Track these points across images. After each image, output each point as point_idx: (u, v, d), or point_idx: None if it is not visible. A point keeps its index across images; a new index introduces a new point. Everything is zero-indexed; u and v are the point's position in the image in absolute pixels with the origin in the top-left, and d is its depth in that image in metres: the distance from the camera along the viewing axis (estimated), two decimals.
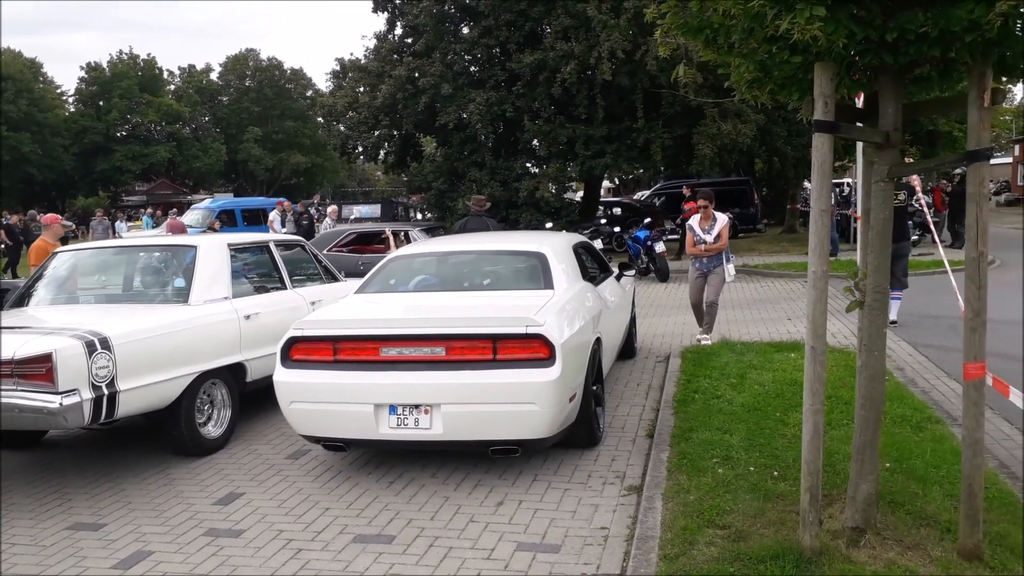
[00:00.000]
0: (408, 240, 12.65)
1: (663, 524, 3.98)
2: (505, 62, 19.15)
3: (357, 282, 6.13)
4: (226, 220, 20.86)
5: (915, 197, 10.06)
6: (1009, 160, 49.29)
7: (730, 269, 8.66)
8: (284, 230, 17.52)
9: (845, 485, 3.80)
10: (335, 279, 7.47)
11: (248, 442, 5.90)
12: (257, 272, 6.71)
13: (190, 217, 21.13)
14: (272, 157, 56.09)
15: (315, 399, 4.75)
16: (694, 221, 8.53)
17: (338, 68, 23.12)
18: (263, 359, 5.89)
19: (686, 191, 17.26)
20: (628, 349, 8.08)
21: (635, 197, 31.49)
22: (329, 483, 4.99)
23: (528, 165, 20.73)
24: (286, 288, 6.69)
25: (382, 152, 22.59)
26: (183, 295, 5.78)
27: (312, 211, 21.56)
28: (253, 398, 6.39)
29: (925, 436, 5.00)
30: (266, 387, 5.37)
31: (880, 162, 3.33)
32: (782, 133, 19.65)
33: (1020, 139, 48.14)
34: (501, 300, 5.30)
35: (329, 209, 16.73)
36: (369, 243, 12.83)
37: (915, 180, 9.69)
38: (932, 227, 9.22)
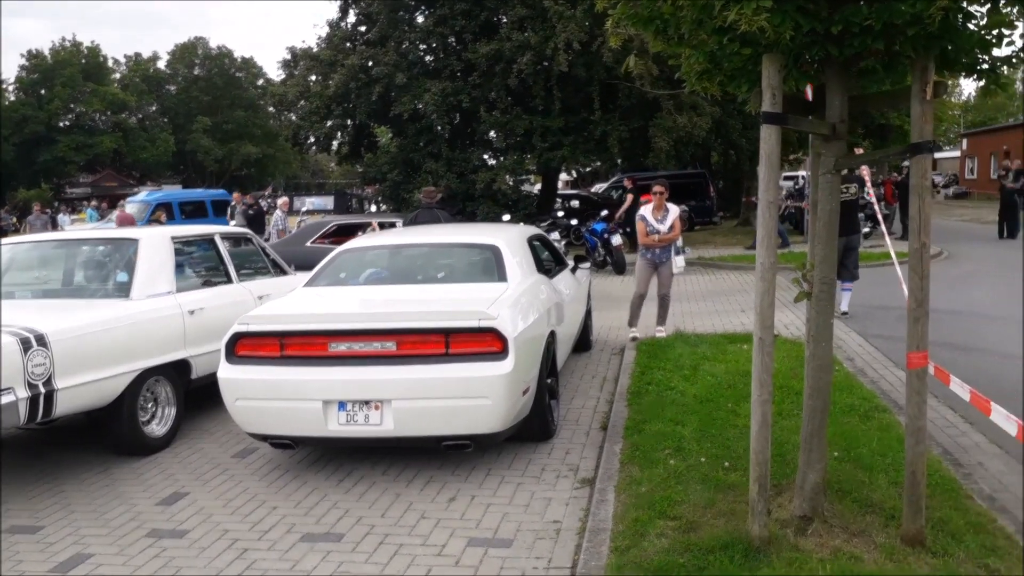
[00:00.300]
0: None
1: (615, 516, 3.98)
2: (461, 52, 19.01)
3: (306, 275, 6.01)
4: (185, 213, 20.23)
5: (864, 189, 10.23)
6: (957, 154, 50.67)
7: (679, 261, 8.67)
8: (233, 223, 17.19)
9: (795, 475, 3.83)
10: (284, 272, 7.33)
11: (194, 440, 5.76)
12: (202, 266, 6.55)
13: (129, 209, 20.17)
14: (222, 148, 55.00)
15: (261, 396, 4.64)
16: (647, 211, 8.41)
17: (289, 57, 22.69)
18: (209, 355, 5.74)
19: (627, 183, 17.38)
20: (584, 342, 8.07)
21: (592, 190, 31.62)
22: (277, 481, 4.89)
23: (485, 157, 20.63)
24: (232, 282, 6.53)
25: (335, 143, 22.28)
26: (124, 290, 5.60)
27: (262, 203, 21.19)
28: (200, 395, 6.23)
29: (873, 425, 5.09)
30: (213, 384, 5.22)
31: (827, 154, 3.35)
32: (737, 126, 19.85)
33: (968, 133, 49.50)
34: (453, 293, 5.23)
35: (279, 201, 16.43)
36: (353, 234, 12.66)
37: (865, 173, 9.84)
38: (881, 219, 9.38)
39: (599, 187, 32.07)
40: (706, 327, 9.07)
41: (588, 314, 8.29)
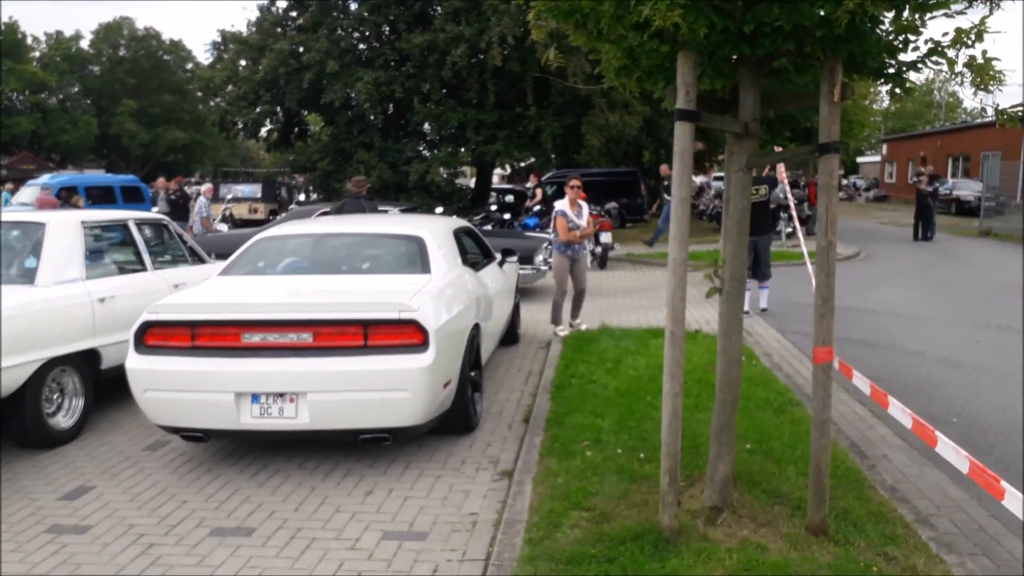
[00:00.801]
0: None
1: (531, 508, 3.99)
2: (395, 41, 18.79)
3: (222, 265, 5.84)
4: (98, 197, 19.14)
5: (776, 191, 10.53)
6: (878, 159, 52.62)
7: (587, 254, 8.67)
8: (156, 209, 16.63)
9: (707, 466, 3.90)
10: (202, 261, 7.12)
11: (103, 433, 5.55)
12: (115, 252, 6.30)
13: (26, 194, 18.22)
14: (148, 132, 53.00)
15: (171, 387, 4.48)
16: (564, 206, 8.35)
17: (219, 40, 22.07)
18: (120, 345, 5.52)
19: (533, 180, 17.59)
20: (511, 335, 8.08)
21: (527, 185, 31.70)
22: (188, 475, 4.74)
23: (420, 148, 20.45)
24: (147, 270, 6.31)
25: (264, 129, 21.76)
26: (29, 276, 5.35)
27: (188, 190, 20.55)
28: (111, 386, 6.00)
29: (785, 418, 5.23)
30: (124, 374, 5.05)
31: (739, 152, 3.42)
32: (667, 125, 20.11)
33: (888, 139, 51.45)
34: (374, 284, 5.15)
35: (203, 188, 15.94)
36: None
37: (783, 175, 10.12)
38: (795, 219, 9.70)
39: (532, 182, 32.16)
40: (631, 322, 9.19)
41: (516, 308, 8.29)
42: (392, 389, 4.40)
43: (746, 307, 9.51)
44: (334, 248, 5.88)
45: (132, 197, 18.54)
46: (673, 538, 3.45)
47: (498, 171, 37.97)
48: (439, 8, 18.48)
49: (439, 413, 4.82)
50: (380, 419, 4.47)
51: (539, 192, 17.17)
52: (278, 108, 20.43)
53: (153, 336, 4.51)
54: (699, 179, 26.20)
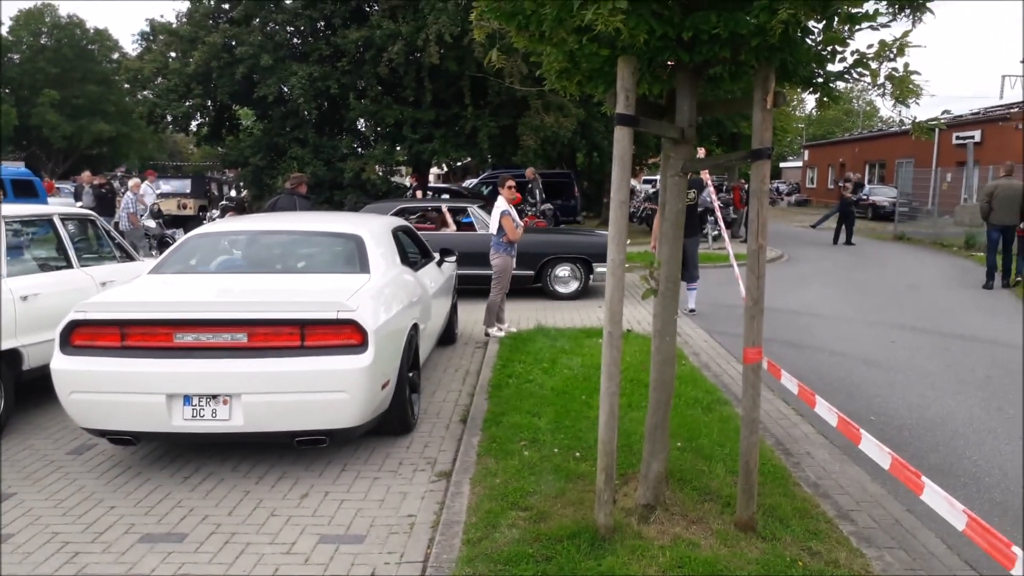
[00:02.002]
0: (466, 217, 12.07)
1: (469, 508, 4.00)
2: (330, 36, 18.53)
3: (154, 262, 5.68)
4: None
5: (704, 194, 10.81)
6: (799, 164, 54.39)
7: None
8: (80, 204, 16.01)
9: (640, 464, 3.98)
10: (131, 258, 6.91)
11: (25, 436, 5.34)
12: (38, 248, 6.06)
13: None
14: (71, 124, 50.86)
15: (99, 389, 4.34)
16: (507, 205, 8.38)
17: (148, 30, 21.37)
18: (43, 345, 5.33)
19: (411, 180, 17.76)
20: (449, 335, 8.08)
21: (464, 185, 31.65)
22: (116, 480, 4.60)
23: (355, 145, 20.22)
24: (72, 267, 6.10)
25: (194, 123, 21.18)
26: None
27: (115, 184, 19.83)
28: (33, 388, 5.77)
29: (714, 417, 5.37)
30: (47, 376, 4.85)
31: (675, 157, 3.50)
32: (601, 128, 20.41)
33: (809, 145, 53.20)
34: (312, 284, 5.08)
35: (131, 182, 15.38)
36: (422, 221, 12.05)
37: (707, 178, 10.39)
38: (721, 222, 9.99)
39: (470, 182, 32.15)
40: (565, 321, 9.29)
41: (454, 308, 8.29)
42: (329, 390, 4.35)
43: (692, 305, 9.80)
44: (270, 246, 5.78)
45: (23, 191, 16.92)
46: (608, 536, 3.52)
47: (435, 170, 37.80)
48: (375, 5, 18.31)
49: (377, 414, 4.79)
50: (317, 421, 4.42)
51: (419, 194, 17.33)
52: (209, 102, 19.93)
53: (80, 336, 4.36)
54: (632, 183, 26.66)
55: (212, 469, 4.74)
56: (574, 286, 11.34)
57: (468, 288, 10.53)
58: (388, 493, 4.40)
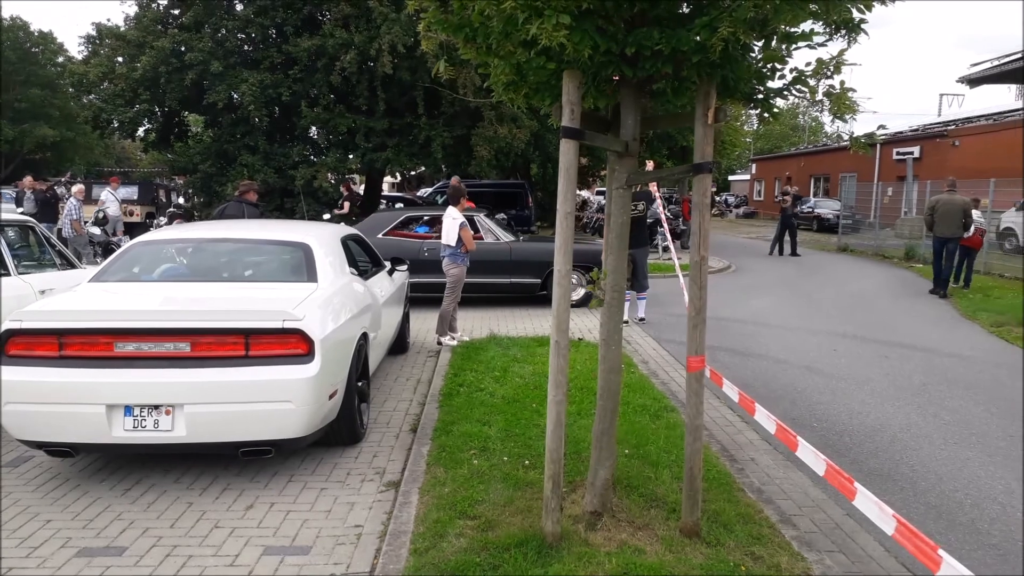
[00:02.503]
0: (474, 225, 11.80)
1: (417, 518, 3.99)
2: (282, 44, 18.36)
3: (94, 270, 5.54)
4: None
5: (653, 206, 10.99)
6: (747, 177, 55.53)
7: None
8: (21, 210, 15.56)
9: (588, 472, 4.02)
10: (72, 266, 6.74)
11: None
12: None
13: None
14: (13, 128, 49.35)
15: (36, 400, 4.21)
16: (463, 216, 8.43)
17: (94, 34, 20.89)
18: None
19: (344, 190, 17.73)
20: (400, 344, 8.04)
21: (418, 194, 31.56)
22: (53, 493, 4.48)
23: (307, 153, 20.03)
24: (10, 274, 5.92)
25: (141, 129, 20.75)
26: None
27: (58, 190, 19.29)
28: None
29: (661, 423, 5.45)
30: None
31: (620, 169, 3.56)
32: (554, 140, 20.56)
33: (757, 159, 54.36)
34: (257, 292, 5.01)
35: (75, 189, 14.98)
36: (431, 226, 11.89)
37: (655, 190, 10.57)
38: (668, 234, 10.19)
39: (425, 191, 32.08)
40: (518, 330, 9.33)
41: (406, 316, 8.26)
42: (275, 400, 4.30)
43: (625, 317, 9.92)
44: (216, 255, 5.69)
45: None
46: (556, 543, 3.54)
47: (388, 179, 37.64)
48: (328, 14, 18.20)
49: (324, 424, 4.75)
50: (262, 431, 4.36)
51: (346, 205, 17.30)
52: (157, 107, 19.56)
53: (16, 345, 4.24)
54: (583, 193, 26.85)
55: (154, 481, 4.65)
56: (580, 292, 11.24)
57: (477, 297, 10.95)
58: (335, 504, 4.36)
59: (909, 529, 2.41)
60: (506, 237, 11.42)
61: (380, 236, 10.99)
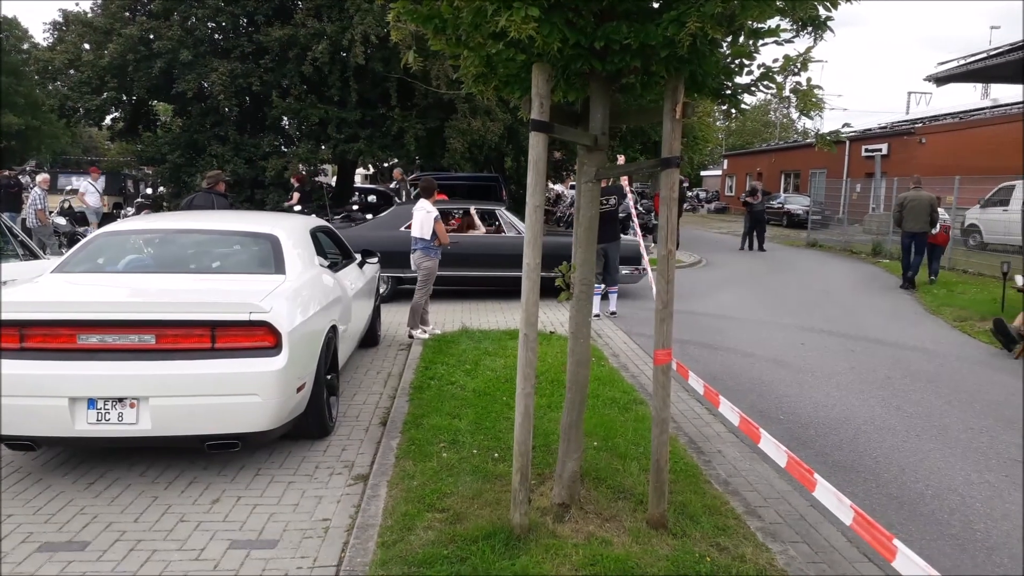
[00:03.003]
0: (494, 219, 12.02)
1: (385, 511, 3.99)
2: (252, 33, 18.12)
3: (57, 261, 5.45)
4: None
5: (625, 201, 11.04)
6: (719, 173, 56.00)
7: None
8: None
9: (556, 464, 4.03)
10: (35, 256, 6.62)
11: None
12: None
13: None
14: None
15: None
16: (435, 210, 8.42)
17: (60, 20, 20.45)
18: None
19: (295, 181, 17.64)
20: (371, 337, 8.00)
21: (392, 186, 31.39)
22: (14, 487, 4.40)
23: (278, 144, 19.80)
24: None
25: (109, 117, 20.38)
26: None
27: (23, 179, 18.93)
28: None
29: (630, 416, 5.48)
30: None
31: (589, 164, 3.57)
32: (527, 133, 20.42)
33: (728, 155, 54.81)
34: (224, 284, 4.96)
35: (39, 178, 14.68)
36: (452, 219, 11.81)
37: (626, 184, 10.62)
38: (638, 228, 10.25)
39: (397, 183, 31.90)
40: (490, 323, 9.33)
41: (377, 309, 8.22)
42: (241, 393, 4.27)
43: (596, 311, 10.00)
44: (182, 246, 5.61)
45: None
46: (523, 536, 3.55)
47: (361, 171, 37.35)
48: (300, 3, 18.00)
49: (292, 417, 4.71)
50: (228, 424, 4.32)
51: (295, 196, 17.21)
52: (125, 96, 19.21)
53: None
54: (557, 187, 26.85)
55: (118, 475, 4.59)
56: (599, 285, 11.51)
57: (497, 290, 11.14)
58: (303, 497, 4.34)
59: (866, 519, 2.45)
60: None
61: (401, 229, 10.99)
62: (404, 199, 17.55)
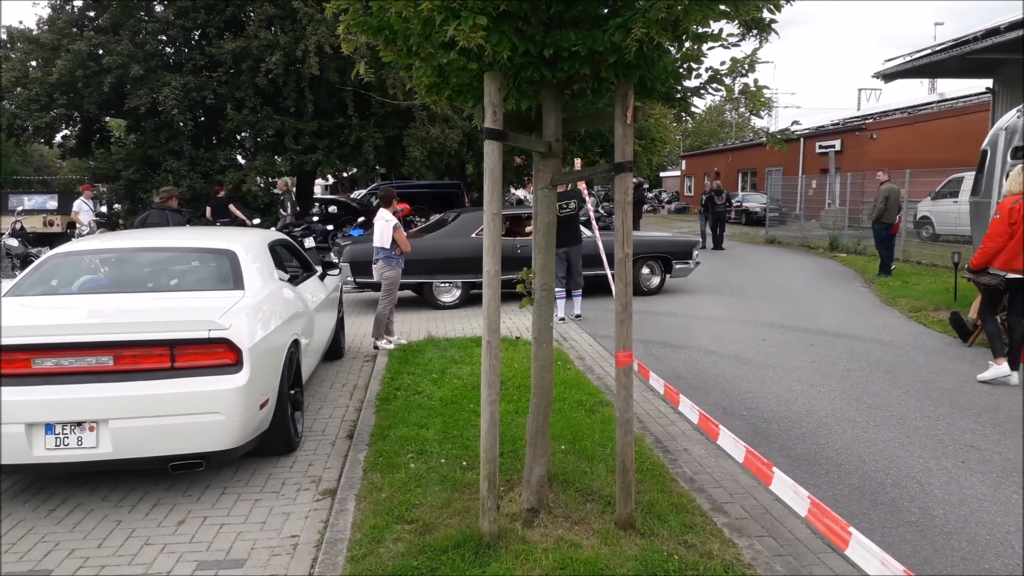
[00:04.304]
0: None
1: (354, 525, 3.96)
2: (205, 46, 17.92)
3: (9, 283, 5.33)
4: None
5: (585, 206, 11.14)
6: (678, 173, 56.66)
7: None
8: None
9: (524, 469, 4.05)
10: None
11: None
12: None
13: None
14: None
15: None
16: (395, 218, 8.40)
17: (4, 37, 20.02)
18: None
19: (281, 186, 17.53)
20: (335, 350, 7.95)
21: (352, 196, 31.21)
22: None
23: (235, 157, 19.58)
24: None
25: (59, 135, 19.98)
26: None
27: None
28: None
29: (597, 418, 5.52)
30: None
31: (544, 170, 3.60)
32: None
33: (687, 155, 55.47)
34: (182, 302, 4.90)
35: None
36: (517, 226, 11.69)
37: (584, 188, 10.73)
38: (597, 232, 10.35)
39: (359, 193, 31.75)
40: (456, 331, 9.33)
41: (340, 321, 8.18)
42: (204, 412, 4.22)
43: (561, 314, 10.06)
44: (139, 264, 5.53)
45: None
46: (493, 543, 3.56)
47: (321, 182, 37.12)
48: (252, 15, 17.84)
49: (257, 434, 4.67)
50: (192, 444, 4.27)
51: (206, 211, 17.02)
52: (76, 112, 18.86)
53: None
54: (519, 193, 26.90)
55: (80, 500, 4.50)
56: (655, 282, 12.48)
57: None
58: (270, 515, 4.30)
59: (821, 509, 2.51)
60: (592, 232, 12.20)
61: (473, 236, 11.09)
62: (289, 211, 17.41)
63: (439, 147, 18.37)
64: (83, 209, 16.65)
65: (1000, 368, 6.87)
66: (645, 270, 12.49)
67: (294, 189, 17.57)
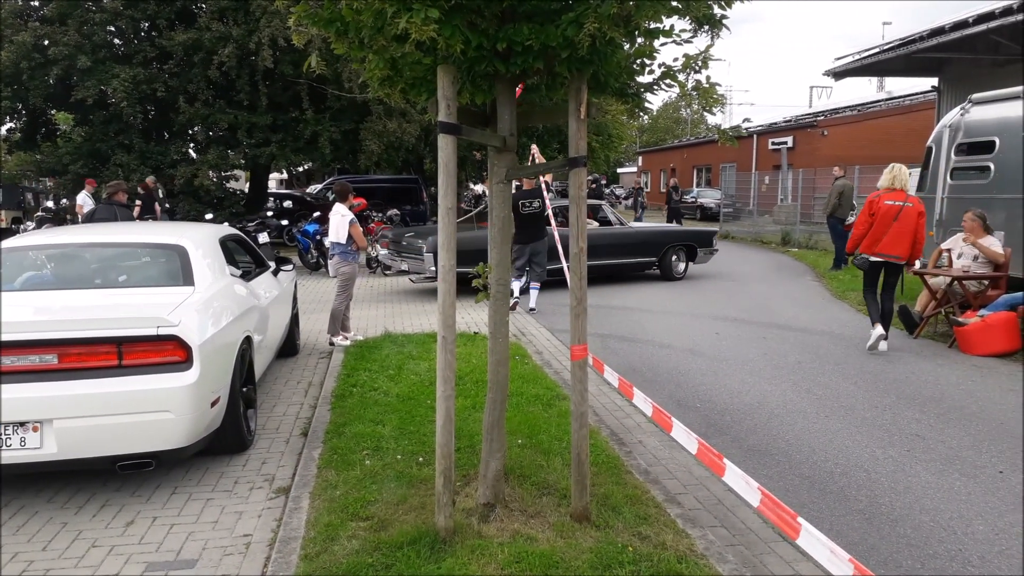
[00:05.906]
0: (599, 213, 13.51)
1: (308, 523, 3.92)
2: (155, 38, 17.54)
3: None
4: None
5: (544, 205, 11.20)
6: (635, 169, 57.15)
7: None
8: None
9: (480, 464, 4.05)
10: None
11: None
12: None
13: None
14: None
15: None
16: (351, 214, 8.31)
17: None
18: None
19: (143, 187, 17.25)
20: (290, 346, 7.85)
21: (307, 190, 30.85)
22: None
23: (187, 151, 19.21)
24: None
25: (4, 128, 19.42)
26: None
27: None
28: None
29: (553, 412, 5.54)
30: None
31: (499, 164, 3.59)
32: None
33: (643, 151, 55.98)
34: (130, 298, 4.79)
35: None
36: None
37: (544, 183, 10.77)
38: (555, 228, 10.41)
39: (314, 187, 31.40)
40: (414, 327, 9.28)
41: (294, 318, 8.07)
42: (153, 411, 4.13)
43: (532, 304, 10.17)
44: (85, 260, 5.39)
45: None
46: (449, 538, 3.55)
47: (276, 175, 36.63)
48: (204, 6, 17.50)
49: (208, 433, 4.58)
50: (140, 444, 4.17)
51: (138, 205, 16.67)
52: (20, 104, 18.33)
53: None
54: (478, 187, 26.87)
55: (24, 502, 4.38)
56: (681, 267, 13.88)
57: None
58: (223, 514, 4.23)
59: (772, 500, 2.55)
60: (624, 223, 13.66)
61: (477, 226, 11.15)
62: (157, 211, 17.10)
63: (396, 141, 18.27)
64: (88, 204, 16.20)
65: (875, 330, 7.96)
66: (673, 257, 13.69)
67: (160, 189, 17.14)
